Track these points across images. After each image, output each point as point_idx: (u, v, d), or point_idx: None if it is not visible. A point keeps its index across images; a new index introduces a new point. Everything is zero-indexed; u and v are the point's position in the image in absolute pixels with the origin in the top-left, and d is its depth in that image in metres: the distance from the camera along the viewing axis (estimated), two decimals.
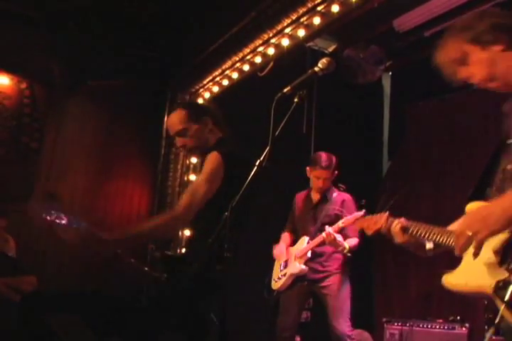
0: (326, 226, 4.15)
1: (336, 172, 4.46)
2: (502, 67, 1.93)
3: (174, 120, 2.90)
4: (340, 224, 4.11)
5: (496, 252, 1.82)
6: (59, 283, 5.39)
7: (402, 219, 2.38)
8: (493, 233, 1.72)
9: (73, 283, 5.51)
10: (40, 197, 2.51)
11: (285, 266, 4.42)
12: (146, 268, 2.64)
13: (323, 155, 4.40)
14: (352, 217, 4.07)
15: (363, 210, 4.08)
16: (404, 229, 2.34)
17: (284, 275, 4.36)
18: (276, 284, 4.41)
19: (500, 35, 1.90)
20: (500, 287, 1.79)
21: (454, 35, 1.99)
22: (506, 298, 1.72)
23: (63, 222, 2.39)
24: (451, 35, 2.00)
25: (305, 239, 4.37)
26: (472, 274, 1.92)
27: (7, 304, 4.30)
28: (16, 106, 5.64)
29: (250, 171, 2.26)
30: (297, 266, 4.28)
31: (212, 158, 2.64)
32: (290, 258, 4.40)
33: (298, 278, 4.31)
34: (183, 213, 2.56)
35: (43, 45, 5.73)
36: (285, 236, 4.63)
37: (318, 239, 4.20)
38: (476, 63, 1.97)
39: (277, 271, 4.48)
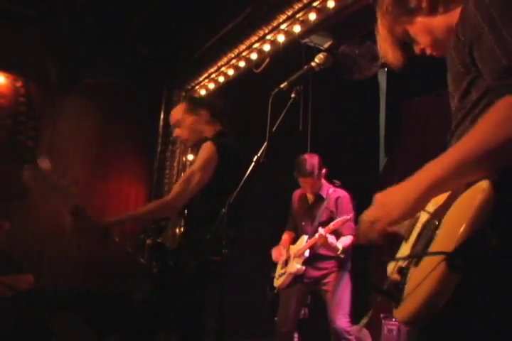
0: (319, 228, 4.15)
1: (323, 170, 4.41)
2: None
3: (174, 112, 3.01)
4: (330, 226, 4.13)
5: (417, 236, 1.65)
6: (56, 281, 5.38)
7: None
8: (394, 221, 1.58)
9: (70, 282, 5.50)
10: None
11: (285, 265, 4.44)
12: (142, 260, 2.65)
13: (304, 162, 4.31)
14: (340, 220, 4.13)
15: (351, 214, 4.11)
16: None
17: (284, 273, 4.39)
18: (277, 282, 4.45)
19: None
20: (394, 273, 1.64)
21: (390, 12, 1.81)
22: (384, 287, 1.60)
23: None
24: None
25: (304, 237, 4.37)
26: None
27: (2, 302, 4.30)
28: (12, 104, 5.63)
29: (244, 165, 2.30)
30: (294, 266, 4.30)
31: (206, 147, 2.69)
32: (290, 257, 4.42)
33: (297, 277, 4.32)
34: (173, 200, 2.62)
35: (38, 44, 5.71)
36: (285, 237, 4.63)
37: (312, 240, 4.22)
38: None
39: (279, 269, 4.52)
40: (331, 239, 4.12)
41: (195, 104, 2.98)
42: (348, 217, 4.11)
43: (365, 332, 5.33)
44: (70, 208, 2.50)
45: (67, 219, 2.51)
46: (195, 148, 3.06)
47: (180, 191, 2.61)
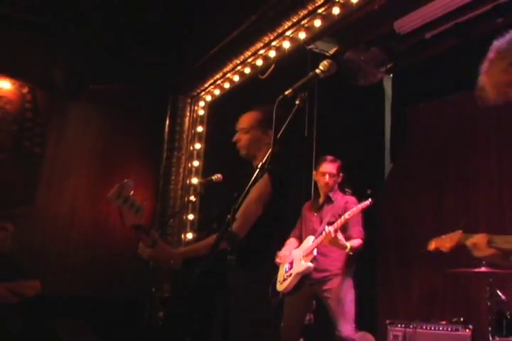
0: (326, 226, 4.15)
1: (341, 174, 4.54)
2: None
3: (246, 117, 3.02)
4: (346, 215, 4.12)
5: None
6: (62, 287, 5.40)
7: (484, 234, 2.52)
8: None
9: (76, 287, 5.51)
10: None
11: (290, 268, 4.40)
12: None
13: (329, 156, 4.54)
14: (359, 207, 4.13)
15: (369, 199, 4.10)
16: (489, 243, 2.49)
17: (290, 275, 4.33)
18: (282, 286, 4.38)
19: None
20: None
21: (497, 60, 2.25)
22: None
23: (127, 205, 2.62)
24: (495, 60, 2.26)
25: (310, 238, 4.36)
26: None
27: (9, 308, 4.31)
28: (18, 110, 5.66)
29: (293, 188, 2.38)
30: (303, 264, 4.24)
31: (265, 179, 2.72)
32: (295, 259, 4.38)
33: (303, 278, 4.28)
34: (237, 232, 2.62)
35: (45, 50, 5.75)
36: (289, 242, 4.63)
37: (321, 237, 4.19)
38: None
39: (282, 273, 4.46)
40: (339, 236, 4.11)
41: (270, 121, 2.99)
42: (368, 203, 4.10)
43: (370, 337, 5.31)
44: (136, 225, 2.63)
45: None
46: (243, 157, 3.09)
47: (241, 225, 2.66)
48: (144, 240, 2.63)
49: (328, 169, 4.47)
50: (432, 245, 3.02)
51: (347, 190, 4.53)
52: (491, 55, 2.25)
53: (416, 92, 6.65)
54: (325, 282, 4.29)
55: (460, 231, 2.82)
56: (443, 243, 2.89)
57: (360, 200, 4.40)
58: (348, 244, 4.16)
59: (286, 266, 4.45)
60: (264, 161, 2.09)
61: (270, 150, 2.09)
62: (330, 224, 4.26)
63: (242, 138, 2.98)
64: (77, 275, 5.59)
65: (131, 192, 2.63)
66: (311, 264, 4.23)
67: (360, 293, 4.34)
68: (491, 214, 5.56)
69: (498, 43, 2.26)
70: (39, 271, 5.00)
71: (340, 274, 4.30)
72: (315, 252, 4.27)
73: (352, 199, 4.46)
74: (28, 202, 5.55)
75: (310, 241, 4.35)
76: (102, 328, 5.10)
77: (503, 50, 2.20)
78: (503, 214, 5.44)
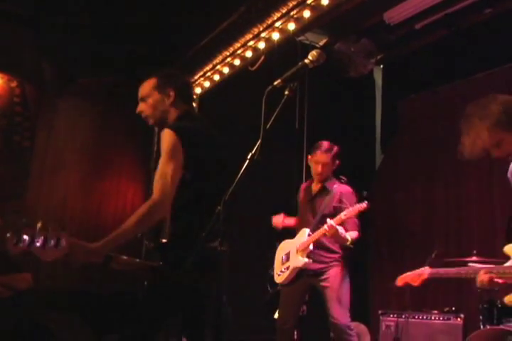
0: (328, 219, 4.13)
1: (337, 161, 4.48)
2: None
3: (142, 87, 2.91)
4: (342, 216, 4.10)
5: None
6: (54, 281, 5.39)
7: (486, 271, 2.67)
8: None
9: (68, 281, 5.50)
10: (5, 224, 2.43)
11: (287, 259, 4.38)
12: (137, 260, 2.58)
13: (325, 142, 4.47)
14: (355, 209, 4.10)
15: (365, 202, 4.10)
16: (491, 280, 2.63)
17: (287, 268, 4.32)
18: (280, 278, 4.39)
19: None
20: None
21: (476, 122, 2.54)
22: None
23: (38, 244, 2.27)
24: (474, 122, 2.55)
25: (305, 230, 4.33)
26: None
27: (1, 303, 4.30)
28: (7, 105, 5.62)
29: (209, 142, 2.50)
30: (300, 260, 4.23)
31: (166, 135, 2.59)
32: (292, 251, 4.36)
33: (301, 271, 4.28)
34: (159, 197, 2.52)
35: (33, 44, 5.71)
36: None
37: (320, 232, 4.16)
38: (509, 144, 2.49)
39: (279, 265, 4.45)
40: (341, 229, 4.10)
41: (165, 82, 2.87)
42: (365, 205, 4.08)
43: (363, 327, 5.34)
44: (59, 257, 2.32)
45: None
46: (158, 128, 2.98)
47: (161, 187, 2.52)
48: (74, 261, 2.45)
49: (322, 159, 4.41)
50: (401, 281, 3.25)
51: (342, 177, 4.49)
52: (470, 118, 2.58)
53: (406, 83, 6.66)
54: (322, 273, 4.28)
55: (427, 267, 3.09)
56: (413, 279, 3.14)
57: (355, 192, 4.41)
58: (349, 237, 4.17)
59: (283, 256, 4.43)
60: (253, 151, 2.08)
61: (259, 141, 2.07)
62: (326, 216, 4.26)
63: (143, 108, 2.87)
64: (69, 269, 5.58)
65: (36, 230, 2.28)
66: (308, 260, 4.21)
67: (352, 283, 4.35)
68: (482, 204, 5.60)
69: (473, 107, 2.59)
70: (31, 266, 4.98)
71: (337, 265, 4.31)
72: (311, 247, 4.25)
73: (347, 189, 4.43)
74: (18, 197, 5.52)
75: (305, 234, 4.32)
76: (94, 322, 5.10)
77: (481, 114, 2.51)
78: (493, 204, 5.48)
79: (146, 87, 2.88)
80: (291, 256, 4.36)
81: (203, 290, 2.50)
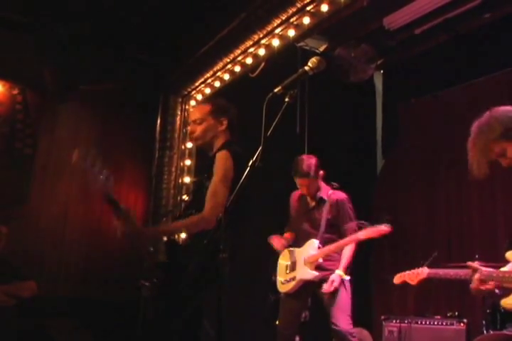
0: (324, 285, 4.13)
1: (321, 172, 4.40)
2: None
3: (197, 110, 3.22)
4: (360, 236, 4.05)
5: None
6: (56, 288, 5.39)
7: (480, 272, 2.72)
8: None
9: (70, 288, 5.50)
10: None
11: (293, 269, 4.33)
12: (151, 249, 2.85)
13: (301, 162, 4.33)
14: (375, 231, 4.01)
15: (388, 226, 4.02)
16: (482, 281, 2.68)
17: (293, 279, 4.28)
18: (284, 287, 4.35)
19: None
20: None
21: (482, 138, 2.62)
22: None
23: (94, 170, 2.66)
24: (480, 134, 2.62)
25: (314, 242, 4.27)
26: None
27: (4, 311, 4.30)
28: (9, 112, 5.63)
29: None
30: (309, 273, 4.19)
31: (223, 156, 2.85)
32: (298, 261, 4.31)
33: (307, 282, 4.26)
34: (209, 214, 2.72)
35: (34, 51, 5.72)
36: (286, 236, 4.62)
37: (328, 248, 4.19)
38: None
39: (283, 273, 4.40)
40: (335, 282, 4.11)
41: (221, 111, 3.12)
42: (388, 229, 3.99)
43: (366, 333, 5.33)
44: (106, 195, 2.73)
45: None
46: (205, 149, 3.18)
47: (213, 205, 2.74)
48: (115, 213, 2.71)
49: (303, 182, 4.35)
50: (398, 279, 3.32)
51: (334, 183, 4.46)
52: (474, 134, 2.66)
53: (406, 88, 6.67)
54: (325, 280, 4.25)
55: (425, 267, 3.17)
56: (410, 278, 3.22)
57: (350, 197, 4.39)
58: (344, 277, 4.18)
59: (288, 265, 4.39)
60: (254, 158, 2.09)
61: (260, 147, 2.08)
62: (330, 225, 4.28)
63: (196, 129, 3.09)
64: (71, 276, 5.58)
65: (99, 160, 2.65)
66: (317, 273, 4.18)
67: (354, 289, 4.34)
68: (483, 208, 5.59)
69: (478, 123, 2.66)
70: (33, 273, 4.98)
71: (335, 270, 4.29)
72: (320, 260, 4.22)
73: (342, 195, 4.40)
74: (20, 204, 5.53)
75: (314, 246, 4.25)
76: (95, 329, 5.10)
77: (484, 129, 2.60)
78: (495, 208, 5.47)
79: (202, 111, 3.14)
80: (298, 266, 4.30)
81: (202, 302, 2.58)
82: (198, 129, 3.08)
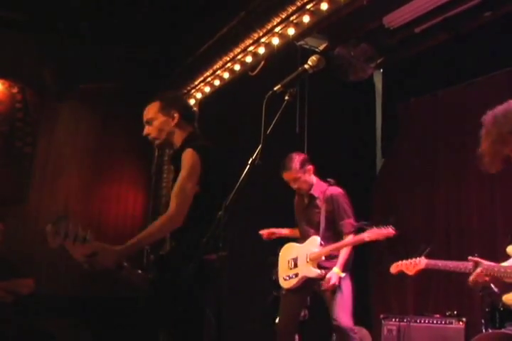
0: (322, 282, 4.15)
1: (309, 167, 4.40)
2: None
3: (147, 109, 3.04)
4: (365, 237, 4.06)
5: None
6: (54, 286, 5.39)
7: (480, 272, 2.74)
8: None
9: (68, 286, 5.50)
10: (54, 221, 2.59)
11: (295, 265, 4.34)
12: (139, 271, 2.70)
13: (287, 158, 4.38)
14: (380, 233, 4.03)
15: (393, 229, 4.03)
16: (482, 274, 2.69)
17: (296, 275, 4.29)
18: (287, 283, 4.36)
19: None
20: None
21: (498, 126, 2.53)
22: None
23: (69, 240, 2.53)
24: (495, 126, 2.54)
25: (316, 239, 4.28)
26: None
27: (2, 308, 4.30)
28: (8, 110, 5.63)
29: (221, 161, 2.67)
30: (313, 271, 4.20)
31: (188, 154, 2.74)
32: (300, 258, 4.32)
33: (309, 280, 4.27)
34: (176, 212, 2.65)
35: (34, 50, 5.72)
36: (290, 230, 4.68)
37: (331, 246, 4.20)
38: None
39: (285, 269, 4.41)
40: (334, 279, 4.12)
41: (168, 104, 3.01)
42: (393, 232, 4.01)
43: (365, 332, 5.33)
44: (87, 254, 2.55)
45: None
46: (164, 149, 3.13)
47: (179, 202, 2.66)
48: (97, 263, 2.56)
49: (288, 177, 4.38)
50: (395, 269, 3.33)
51: (329, 180, 4.46)
52: (488, 124, 2.56)
53: (406, 87, 6.67)
54: (325, 277, 4.26)
55: (423, 258, 3.17)
56: (408, 268, 3.22)
57: (349, 196, 4.40)
58: (340, 274, 4.17)
59: (290, 261, 4.39)
60: (254, 156, 2.09)
61: (260, 146, 2.08)
62: (326, 223, 4.28)
63: (150, 130, 3.00)
64: (70, 275, 5.58)
65: (69, 225, 2.51)
66: (320, 271, 4.19)
67: (353, 287, 4.35)
68: (483, 206, 5.59)
69: (494, 113, 2.57)
70: (31, 271, 4.98)
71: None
72: (323, 258, 4.23)
73: (338, 190, 4.40)
74: (19, 202, 5.53)
75: (316, 243, 4.26)
76: (94, 327, 5.10)
77: (500, 121, 2.51)
78: (495, 206, 5.47)
79: (151, 110, 3.02)
80: (300, 263, 4.31)
81: (201, 302, 2.56)
82: (151, 130, 2.98)
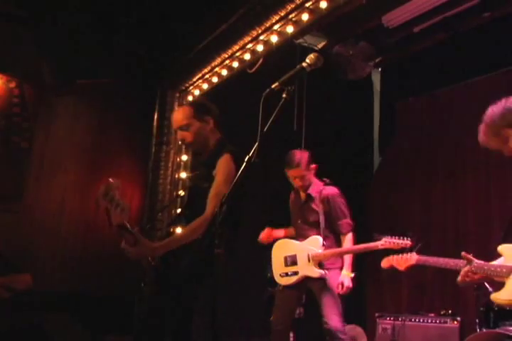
0: (345, 277, 4.19)
1: (313, 166, 4.43)
2: None
3: (179, 115, 3.13)
4: (379, 245, 4.11)
5: None
6: (51, 282, 5.38)
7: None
8: None
9: (65, 282, 5.50)
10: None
11: (293, 263, 4.34)
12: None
13: (292, 154, 4.39)
14: (396, 243, 4.06)
15: (410, 240, 4.05)
16: (471, 272, 2.70)
17: (295, 273, 4.29)
18: (284, 280, 4.36)
19: None
20: None
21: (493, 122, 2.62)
22: None
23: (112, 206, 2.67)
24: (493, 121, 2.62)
25: (319, 239, 4.28)
26: None
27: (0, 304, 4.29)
28: (6, 105, 5.61)
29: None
30: (316, 271, 4.21)
31: (227, 159, 2.88)
32: (300, 256, 4.32)
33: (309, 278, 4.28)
34: (212, 215, 2.72)
35: (32, 44, 5.71)
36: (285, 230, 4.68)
37: (333, 251, 4.25)
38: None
39: (281, 266, 4.40)
40: (347, 282, 4.18)
41: (204, 111, 3.12)
42: (409, 243, 4.02)
43: (360, 330, 5.35)
44: (121, 225, 2.66)
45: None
46: (200, 152, 3.19)
47: (215, 205, 2.72)
48: (126, 239, 2.68)
49: (295, 174, 4.39)
50: (386, 263, 3.34)
51: (325, 179, 4.47)
52: (486, 119, 2.63)
53: (404, 86, 6.68)
54: (323, 278, 4.27)
55: (414, 253, 3.17)
56: (398, 263, 3.23)
57: (346, 195, 4.41)
58: (350, 275, 4.24)
59: (286, 257, 4.39)
60: (251, 154, 2.09)
61: (257, 144, 2.08)
62: (313, 224, 4.30)
63: (185, 135, 3.09)
64: (67, 271, 5.58)
65: (118, 192, 2.68)
66: (323, 272, 4.20)
67: None
68: (480, 205, 5.61)
69: (493, 109, 2.63)
70: (29, 267, 4.98)
71: (335, 268, 4.31)
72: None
73: (333, 190, 4.42)
74: (16, 198, 5.52)
75: (318, 243, 4.27)
76: (90, 324, 5.10)
77: (497, 116, 2.58)
78: (490, 205, 5.49)
79: (184, 116, 3.10)
80: (300, 261, 4.31)
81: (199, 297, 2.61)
82: (188, 135, 3.08)
